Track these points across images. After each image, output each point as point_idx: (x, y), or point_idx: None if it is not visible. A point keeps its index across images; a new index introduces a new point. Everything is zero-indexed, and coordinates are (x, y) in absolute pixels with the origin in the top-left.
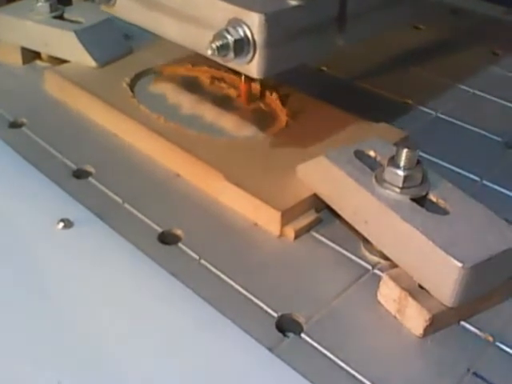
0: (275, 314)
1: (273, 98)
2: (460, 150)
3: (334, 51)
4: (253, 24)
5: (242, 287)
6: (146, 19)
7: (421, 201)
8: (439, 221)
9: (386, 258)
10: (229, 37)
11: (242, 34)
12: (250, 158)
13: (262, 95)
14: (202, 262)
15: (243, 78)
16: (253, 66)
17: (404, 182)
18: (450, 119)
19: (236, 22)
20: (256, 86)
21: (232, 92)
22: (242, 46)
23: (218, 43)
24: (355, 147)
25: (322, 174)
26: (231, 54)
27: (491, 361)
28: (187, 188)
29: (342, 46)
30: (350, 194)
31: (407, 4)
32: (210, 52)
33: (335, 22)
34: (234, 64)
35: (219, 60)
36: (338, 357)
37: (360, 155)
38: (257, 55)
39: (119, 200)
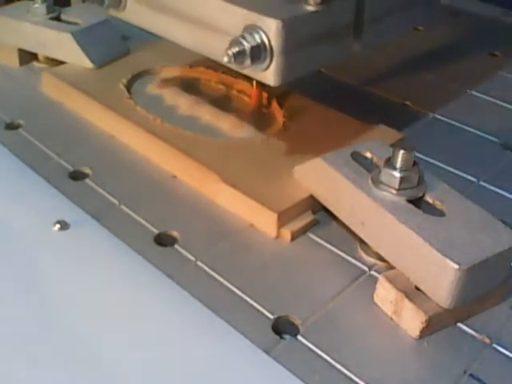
0: (271, 316)
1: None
2: (457, 151)
3: (348, 57)
4: (270, 30)
5: (239, 289)
6: (157, 25)
7: (417, 202)
8: (435, 222)
9: (383, 260)
10: (245, 43)
11: (258, 40)
12: (246, 159)
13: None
14: (199, 263)
15: (254, 83)
16: (269, 73)
17: (400, 183)
18: (448, 120)
19: (252, 28)
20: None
21: (229, 92)
22: (258, 52)
23: (235, 50)
24: (352, 149)
25: (318, 176)
26: (248, 61)
27: (488, 362)
28: (184, 189)
29: (358, 51)
30: (347, 196)
31: (421, 7)
32: (226, 59)
33: (351, 27)
34: (249, 71)
35: (235, 67)
36: (334, 359)
37: (356, 157)
38: (274, 62)
39: (115, 201)
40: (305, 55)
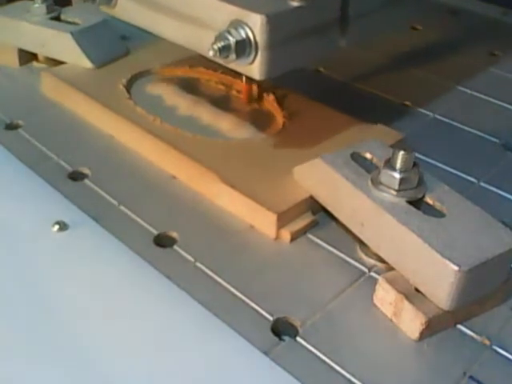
0: (270, 318)
1: (269, 99)
2: (457, 152)
3: (335, 52)
4: (254, 25)
5: (238, 290)
6: (146, 20)
7: (417, 203)
8: (435, 224)
9: (383, 261)
10: (230, 38)
11: (243, 35)
12: (246, 159)
13: (260, 96)
14: (198, 264)
15: (244, 78)
16: (255, 68)
17: (400, 184)
18: (448, 120)
19: (238, 24)
20: (254, 87)
21: (229, 92)
22: (243, 47)
23: (220, 44)
24: (351, 149)
25: (318, 177)
26: (233, 56)
27: (488, 364)
28: (183, 190)
29: (344, 47)
30: (346, 197)
31: (408, 3)
32: (211, 53)
33: (337, 22)
34: (235, 65)
35: (221, 61)
36: (333, 360)
37: (356, 157)
38: (258, 56)
39: (115, 202)
40: (290, 50)
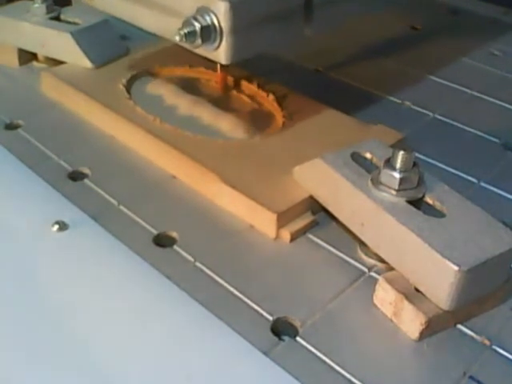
0: (270, 318)
1: (269, 99)
2: (457, 152)
3: (302, 40)
4: (219, 11)
5: (237, 290)
6: (123, 11)
7: (417, 203)
8: (435, 223)
9: (383, 261)
10: (196, 24)
11: (209, 21)
12: (246, 159)
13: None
14: (197, 264)
15: (219, 66)
16: (220, 53)
17: (400, 184)
18: (448, 120)
19: (204, 10)
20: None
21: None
22: (208, 33)
23: (186, 30)
24: (351, 149)
25: (318, 176)
26: (198, 41)
27: (488, 364)
28: (183, 190)
29: (310, 35)
30: (346, 197)
31: None
32: (177, 38)
33: (302, 10)
34: (202, 50)
35: (188, 46)
36: (333, 360)
37: (356, 157)
38: (223, 42)
39: (114, 202)
40: (254, 36)
